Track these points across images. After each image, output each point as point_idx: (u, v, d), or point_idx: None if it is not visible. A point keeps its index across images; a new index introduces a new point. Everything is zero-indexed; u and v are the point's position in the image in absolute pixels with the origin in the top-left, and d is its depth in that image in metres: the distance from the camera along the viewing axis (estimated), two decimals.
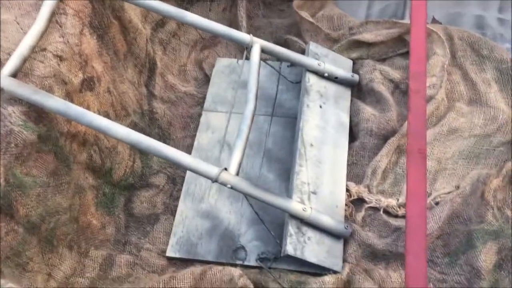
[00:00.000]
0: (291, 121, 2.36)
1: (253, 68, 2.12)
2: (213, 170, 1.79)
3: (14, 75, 1.65)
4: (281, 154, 2.26)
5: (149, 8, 2.09)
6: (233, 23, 2.78)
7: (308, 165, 2.04)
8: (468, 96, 2.29)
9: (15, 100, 1.65)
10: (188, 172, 2.22)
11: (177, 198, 2.20)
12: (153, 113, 2.42)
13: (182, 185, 2.23)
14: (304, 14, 2.52)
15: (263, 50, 2.22)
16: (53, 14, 1.82)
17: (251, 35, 2.22)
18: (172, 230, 2.08)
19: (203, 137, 2.34)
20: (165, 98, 2.50)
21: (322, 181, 2.03)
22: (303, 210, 1.86)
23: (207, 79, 2.63)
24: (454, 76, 2.34)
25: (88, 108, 1.97)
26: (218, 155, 2.27)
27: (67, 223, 1.85)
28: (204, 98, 2.54)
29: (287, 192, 2.10)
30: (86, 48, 1.92)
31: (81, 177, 1.99)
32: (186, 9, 2.66)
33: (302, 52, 2.50)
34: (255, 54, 2.17)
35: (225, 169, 1.82)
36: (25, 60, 1.68)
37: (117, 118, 2.17)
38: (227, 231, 2.06)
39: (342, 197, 2.02)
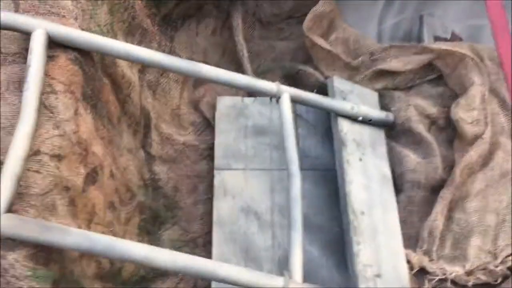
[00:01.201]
0: (322, 175, 2.02)
1: (287, 127, 1.75)
2: (278, 282, 1.42)
3: (10, 208, 1.15)
4: (319, 220, 1.93)
5: (153, 66, 1.61)
6: (227, 50, 2.35)
7: (364, 240, 1.74)
8: (509, 127, 2.06)
9: (14, 240, 1.16)
10: (214, 251, 1.83)
11: None
12: (156, 180, 1.97)
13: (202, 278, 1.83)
14: (319, 40, 2.14)
15: (292, 99, 1.83)
16: (40, 98, 1.30)
17: (277, 83, 1.82)
18: None
19: (222, 206, 1.93)
20: (164, 157, 2.05)
21: (382, 257, 1.74)
22: None
23: (206, 123, 2.20)
24: (493, 106, 2.10)
25: (93, 207, 1.50)
26: (246, 228, 1.89)
27: None
28: (208, 149, 2.12)
29: (340, 270, 1.79)
30: (84, 131, 1.44)
31: None
32: (172, 39, 2.19)
33: (320, 85, 2.14)
34: (286, 106, 1.78)
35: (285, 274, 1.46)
36: (19, 180, 1.18)
37: (123, 204, 1.71)
38: None
39: (405, 272, 1.75)
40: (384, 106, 2.12)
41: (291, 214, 1.57)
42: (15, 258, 1.15)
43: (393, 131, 2.11)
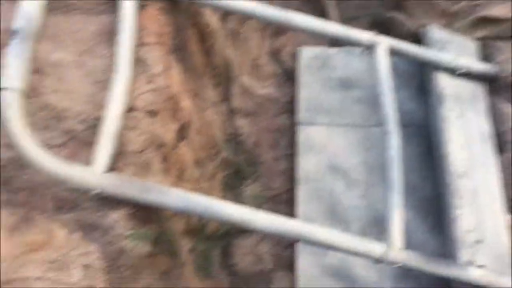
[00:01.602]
0: (413, 131, 1.88)
1: (384, 79, 1.60)
2: (376, 249, 1.34)
3: (110, 166, 1.11)
4: (411, 180, 1.79)
5: (244, 13, 1.49)
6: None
7: (464, 205, 1.61)
8: None
9: (114, 200, 1.12)
10: (299, 209, 1.77)
11: (289, 246, 1.77)
12: (238, 135, 1.91)
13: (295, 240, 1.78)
14: None
15: (390, 51, 1.68)
16: (134, 50, 1.23)
17: (372, 33, 1.66)
18: None
19: (307, 162, 1.85)
20: (245, 110, 1.97)
21: (483, 222, 1.61)
22: (480, 277, 1.46)
23: (287, 75, 2.08)
24: None
25: (183, 163, 1.46)
26: (333, 186, 1.80)
27: None
28: (289, 102, 2.02)
29: (435, 237, 1.68)
30: (174, 85, 1.37)
31: (181, 250, 1.53)
32: None
33: (411, 35, 1.96)
34: (383, 58, 1.63)
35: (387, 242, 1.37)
36: (118, 138, 1.13)
37: (209, 160, 1.66)
38: None
39: (506, 239, 1.62)
40: (485, 58, 1.92)
41: (388, 174, 1.46)
42: (116, 218, 1.12)
43: (495, 85, 1.91)
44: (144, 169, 1.23)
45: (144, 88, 1.27)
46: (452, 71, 1.81)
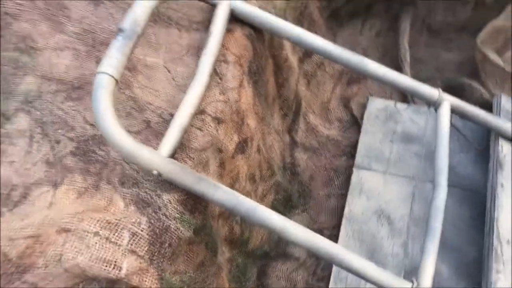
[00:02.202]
0: (469, 196, 1.90)
1: (443, 136, 1.66)
2: (405, 286, 1.37)
3: (173, 154, 1.28)
4: (457, 241, 1.81)
5: (321, 53, 1.64)
6: (388, 52, 2.31)
7: (506, 270, 1.58)
8: None
9: (171, 184, 1.28)
10: (339, 244, 1.82)
11: (322, 279, 1.82)
12: (295, 165, 2.02)
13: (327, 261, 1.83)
14: (492, 55, 2.00)
15: (452, 110, 1.74)
16: (214, 64, 1.42)
17: (439, 89, 1.74)
18: None
19: (356, 203, 1.91)
20: (307, 145, 2.09)
21: None
22: None
23: (354, 121, 2.19)
24: None
25: (238, 174, 1.59)
26: (376, 231, 1.85)
27: None
28: (349, 146, 2.11)
29: None
30: (244, 102, 1.53)
31: (219, 253, 1.63)
32: (335, 34, 2.22)
33: (483, 103, 2.00)
34: (445, 116, 1.70)
35: (414, 281, 1.40)
36: (185, 132, 1.30)
37: (262, 180, 1.79)
38: None
39: None
40: None
41: (429, 223, 1.50)
42: (169, 199, 1.27)
43: None
44: (202, 166, 1.38)
45: (217, 97, 1.45)
46: None
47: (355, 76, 2.24)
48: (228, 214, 1.61)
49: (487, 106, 1.98)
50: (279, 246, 1.88)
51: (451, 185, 1.89)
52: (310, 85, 2.13)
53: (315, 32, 1.91)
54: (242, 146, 1.60)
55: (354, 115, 2.17)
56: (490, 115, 1.82)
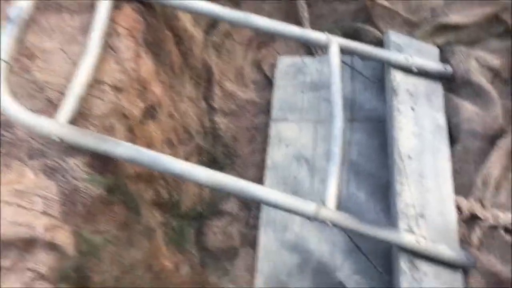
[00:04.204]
0: (375, 126, 2.05)
1: (334, 73, 1.81)
2: (309, 208, 1.51)
3: (72, 120, 1.38)
4: (370, 167, 1.96)
5: (208, 15, 1.77)
6: (290, 13, 2.45)
7: (409, 183, 1.74)
8: None
9: (76, 149, 1.38)
10: None
11: (255, 227, 1.94)
12: (216, 129, 2.14)
13: (257, 210, 1.97)
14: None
15: (341, 49, 1.89)
16: (104, 38, 1.52)
17: (326, 33, 1.89)
18: (256, 267, 1.82)
19: (276, 153, 2.05)
20: (226, 110, 2.21)
21: (428, 199, 1.73)
22: (417, 242, 1.57)
23: (268, 81, 2.32)
24: None
25: (151, 139, 1.70)
26: (297, 173, 1.98)
27: (142, 276, 1.61)
28: (267, 104, 2.24)
29: (387, 214, 1.82)
30: (144, 71, 1.64)
31: (149, 217, 1.74)
32: (238, 3, 2.35)
33: (378, 42, 2.16)
34: (334, 55, 1.84)
35: (322, 202, 1.53)
36: (82, 100, 1.41)
37: (181, 143, 1.90)
38: (321, 265, 1.79)
39: (453, 216, 1.72)
40: (444, 60, 2.09)
41: (331, 149, 1.64)
42: (75, 163, 1.37)
43: (453, 84, 2.07)
44: (107, 131, 1.49)
45: (113, 67, 1.56)
46: (408, 70, 1.99)
47: (264, 41, 2.37)
48: (149, 177, 1.72)
49: (382, 44, 2.14)
50: (211, 205, 2.00)
51: (360, 120, 2.06)
52: (221, 54, 2.25)
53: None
54: (151, 112, 1.71)
55: (267, 76, 2.30)
56: (380, 49, 1.98)
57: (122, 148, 1.38)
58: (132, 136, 1.61)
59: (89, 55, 1.47)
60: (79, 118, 1.44)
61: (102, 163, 1.43)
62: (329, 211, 1.50)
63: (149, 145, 1.70)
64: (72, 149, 1.39)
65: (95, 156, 1.41)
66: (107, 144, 1.37)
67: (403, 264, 1.58)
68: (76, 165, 1.37)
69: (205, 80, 2.12)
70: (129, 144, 1.41)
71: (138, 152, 1.40)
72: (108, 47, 1.57)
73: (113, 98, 1.52)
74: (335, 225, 1.52)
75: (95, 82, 1.50)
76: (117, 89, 1.54)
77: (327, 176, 1.60)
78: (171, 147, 1.82)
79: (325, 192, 1.57)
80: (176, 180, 1.86)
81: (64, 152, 1.37)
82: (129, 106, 1.59)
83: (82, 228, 1.35)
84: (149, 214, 1.74)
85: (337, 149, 1.63)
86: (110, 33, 1.59)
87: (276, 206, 1.49)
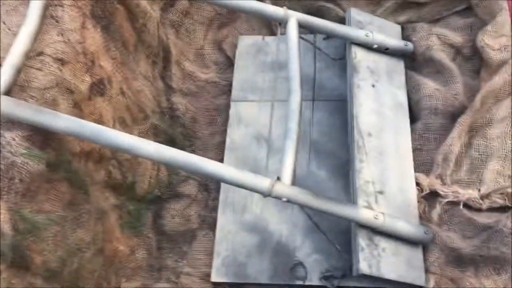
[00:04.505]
0: (337, 105, 2.01)
1: (292, 48, 1.76)
2: (264, 183, 1.45)
3: (9, 91, 1.29)
4: (330, 146, 1.92)
5: None
6: None
7: (369, 160, 1.70)
8: None
9: (14, 123, 1.30)
10: None
11: (214, 209, 1.88)
12: (174, 110, 2.07)
13: (217, 192, 1.91)
14: None
15: (300, 25, 1.84)
16: (46, 7, 1.44)
17: (284, 7, 1.84)
18: (214, 249, 1.77)
19: (235, 133, 1.99)
20: (184, 90, 2.14)
21: (387, 176, 1.69)
22: (375, 218, 1.54)
23: (229, 62, 2.26)
24: None
25: (101, 117, 1.62)
26: (256, 153, 1.93)
27: (92, 259, 1.54)
28: (229, 85, 2.18)
29: (347, 193, 1.78)
30: (90, 44, 1.56)
31: (100, 199, 1.67)
32: None
33: (340, 20, 2.12)
34: (293, 30, 1.79)
35: (278, 178, 1.48)
36: (19, 71, 1.32)
37: (135, 123, 1.83)
38: (280, 246, 1.74)
39: (413, 193, 1.69)
40: (406, 38, 2.06)
41: (287, 125, 1.59)
42: (12, 137, 1.29)
43: (415, 62, 2.04)
44: (49, 105, 1.41)
45: (55, 38, 1.47)
46: (369, 47, 1.95)
47: (225, 21, 2.30)
48: (99, 156, 1.64)
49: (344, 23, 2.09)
50: (170, 188, 1.93)
51: (323, 99, 2.01)
52: (179, 33, 2.18)
53: None
54: (99, 88, 1.63)
55: (229, 56, 2.24)
56: (340, 25, 1.94)
57: (62, 120, 1.30)
58: (79, 112, 1.53)
59: (29, 24, 1.39)
60: (17, 90, 1.35)
61: (42, 137, 1.35)
62: (284, 186, 1.45)
63: (99, 122, 1.61)
64: (9, 122, 1.30)
65: (35, 131, 1.33)
66: (46, 117, 1.29)
67: (361, 240, 1.55)
68: (13, 139, 1.28)
69: (163, 59, 2.04)
70: (69, 117, 1.33)
71: (80, 125, 1.32)
72: (50, 18, 1.48)
73: (55, 71, 1.44)
74: (290, 201, 1.46)
75: (35, 54, 1.42)
76: (59, 61, 1.46)
77: (283, 152, 1.55)
78: (124, 126, 1.75)
79: (281, 168, 1.51)
80: (130, 161, 1.78)
81: (2, 126, 1.28)
82: (74, 80, 1.51)
83: (20, 205, 1.27)
84: (100, 196, 1.67)
85: (293, 125, 1.58)
86: (54, 3, 1.50)
87: (229, 182, 1.43)
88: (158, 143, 1.40)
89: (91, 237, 1.53)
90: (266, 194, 1.45)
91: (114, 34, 1.75)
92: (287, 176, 1.48)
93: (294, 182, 1.49)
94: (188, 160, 1.40)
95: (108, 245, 1.69)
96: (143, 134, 1.85)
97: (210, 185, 1.97)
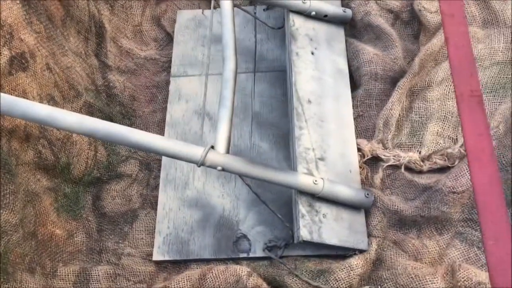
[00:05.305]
0: (278, 76, 1.97)
1: (226, 17, 1.71)
2: (197, 152, 1.40)
3: None
4: (272, 117, 1.88)
5: None
6: None
7: (309, 127, 1.67)
8: (481, 17, 1.91)
9: None
10: None
11: (156, 187, 1.82)
12: (111, 88, 1.99)
13: (159, 171, 1.84)
14: None
15: None
16: None
17: None
18: (156, 227, 1.71)
19: (176, 108, 1.93)
20: (122, 68, 2.06)
21: (328, 143, 1.66)
22: (314, 183, 1.50)
23: (169, 38, 2.19)
24: None
25: (25, 93, 1.53)
26: (197, 128, 1.87)
27: (21, 242, 1.46)
28: (169, 61, 2.11)
29: (289, 162, 1.74)
30: (8, 16, 1.47)
31: (30, 180, 1.58)
32: None
33: None
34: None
35: (212, 147, 1.43)
36: None
37: (65, 101, 1.74)
38: (223, 220, 1.70)
39: (354, 158, 1.67)
40: (345, 5, 2.03)
41: (221, 93, 1.54)
42: None
43: (355, 29, 2.02)
44: None
45: None
46: (308, 14, 1.91)
47: None
48: (25, 135, 1.55)
49: None
50: (109, 169, 1.85)
51: (263, 71, 1.97)
52: (114, 9, 2.10)
53: None
54: (20, 62, 1.53)
55: (168, 32, 2.17)
56: None
57: None
58: None
59: None
60: None
61: None
62: (218, 154, 1.40)
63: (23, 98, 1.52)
64: None
65: None
66: None
67: (302, 207, 1.51)
68: None
69: (96, 35, 1.96)
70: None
71: (9, 101, 1.23)
72: None
73: None
74: (225, 169, 1.41)
75: None
76: None
77: (218, 120, 1.49)
78: (53, 103, 1.66)
79: (216, 137, 1.46)
80: (63, 141, 1.70)
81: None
82: None
83: None
84: (30, 177, 1.58)
85: (227, 93, 1.53)
86: None
87: (162, 153, 1.38)
88: (82, 115, 1.32)
89: (18, 219, 1.45)
90: (199, 164, 1.39)
91: (37, 7, 1.66)
92: (221, 144, 1.43)
93: (229, 150, 1.44)
94: (114, 130, 1.33)
95: (42, 229, 1.61)
96: (76, 111, 1.76)
97: (152, 164, 1.90)
